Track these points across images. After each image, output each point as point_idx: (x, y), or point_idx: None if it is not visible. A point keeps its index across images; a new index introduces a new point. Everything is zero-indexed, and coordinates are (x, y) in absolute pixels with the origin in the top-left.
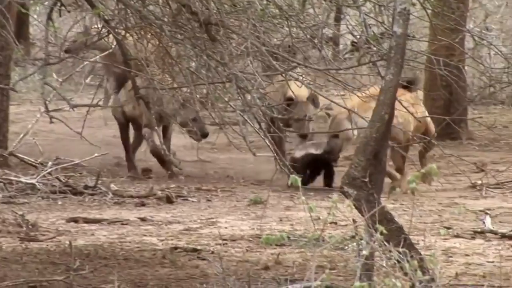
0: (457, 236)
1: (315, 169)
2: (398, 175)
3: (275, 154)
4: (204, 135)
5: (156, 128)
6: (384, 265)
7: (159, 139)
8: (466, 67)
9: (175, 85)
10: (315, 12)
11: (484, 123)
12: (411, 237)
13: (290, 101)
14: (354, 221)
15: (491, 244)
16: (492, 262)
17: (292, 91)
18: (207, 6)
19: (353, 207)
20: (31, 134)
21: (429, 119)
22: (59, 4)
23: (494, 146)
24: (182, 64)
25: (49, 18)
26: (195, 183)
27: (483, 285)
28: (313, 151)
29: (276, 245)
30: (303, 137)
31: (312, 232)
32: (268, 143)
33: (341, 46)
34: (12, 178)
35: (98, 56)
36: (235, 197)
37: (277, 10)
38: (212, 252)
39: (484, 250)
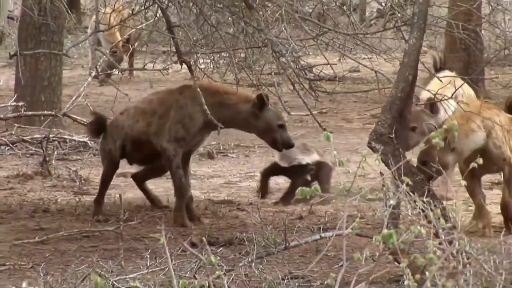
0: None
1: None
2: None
3: (310, 112)
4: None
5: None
6: (410, 214)
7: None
8: (483, 31)
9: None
10: None
11: (500, 83)
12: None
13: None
14: (381, 173)
15: None
16: None
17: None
18: None
19: (380, 161)
20: (83, 96)
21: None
22: None
23: None
24: (222, 30)
25: None
26: (234, 140)
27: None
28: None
29: (310, 196)
30: None
31: (343, 184)
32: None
33: (367, 13)
34: (66, 137)
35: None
36: (271, 153)
37: None
38: (251, 204)
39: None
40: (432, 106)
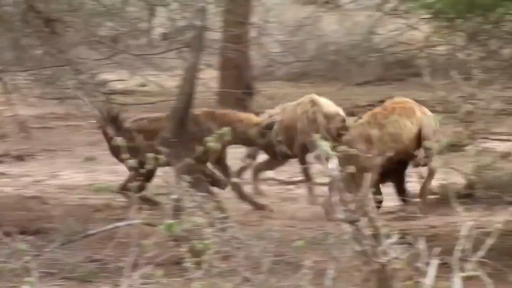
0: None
1: None
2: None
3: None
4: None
5: None
6: (189, 206)
7: None
8: (251, 52)
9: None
10: (134, 10)
11: (266, 95)
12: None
13: None
14: (166, 172)
15: (271, 189)
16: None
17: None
18: (48, 6)
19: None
20: None
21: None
22: None
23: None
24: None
25: None
26: (41, 145)
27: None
28: None
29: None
30: None
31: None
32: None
33: (154, 37)
34: None
35: None
36: (73, 154)
37: (103, 8)
38: (55, 199)
39: (266, 192)
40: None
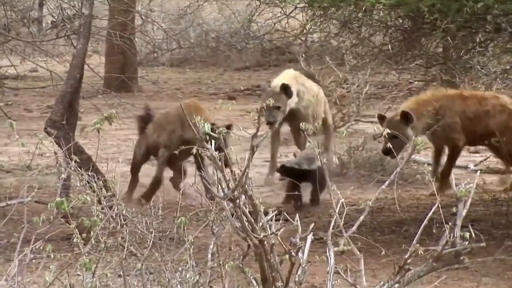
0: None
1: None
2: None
3: None
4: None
5: None
6: (78, 185)
7: None
8: (136, 39)
9: None
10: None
11: (150, 79)
12: (97, 164)
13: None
14: (55, 153)
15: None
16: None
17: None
18: None
19: (55, 143)
20: None
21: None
22: None
23: (158, 97)
24: None
25: None
26: None
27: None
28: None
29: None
30: (270, 124)
31: (24, 161)
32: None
33: (44, 24)
34: None
35: None
36: None
37: None
38: None
39: (150, 173)
40: (286, 89)
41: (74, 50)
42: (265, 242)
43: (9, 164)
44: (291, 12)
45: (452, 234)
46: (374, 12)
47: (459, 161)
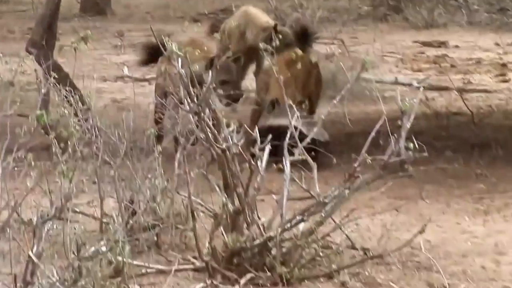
0: (105, 80)
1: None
2: None
3: None
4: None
5: None
6: (56, 99)
7: None
8: None
9: None
10: None
11: (123, 4)
12: (74, 81)
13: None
14: (35, 70)
15: (127, 85)
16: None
17: None
18: None
19: (35, 61)
20: None
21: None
22: None
23: (130, 19)
24: None
25: None
26: None
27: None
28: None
29: None
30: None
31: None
32: None
33: None
34: None
35: None
36: None
37: None
38: None
39: (122, 89)
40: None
41: None
42: (227, 152)
43: None
44: None
45: (397, 145)
46: None
47: (404, 79)
